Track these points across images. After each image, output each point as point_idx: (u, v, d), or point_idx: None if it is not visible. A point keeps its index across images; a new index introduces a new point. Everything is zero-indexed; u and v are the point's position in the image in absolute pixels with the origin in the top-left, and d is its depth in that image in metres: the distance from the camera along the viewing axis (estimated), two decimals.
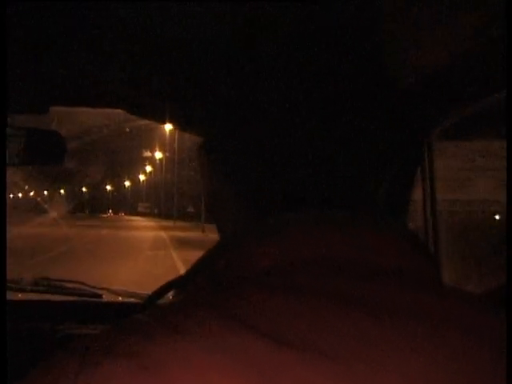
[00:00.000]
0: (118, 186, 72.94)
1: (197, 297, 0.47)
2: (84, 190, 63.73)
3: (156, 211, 56.29)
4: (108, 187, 72.84)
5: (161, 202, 53.59)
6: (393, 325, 0.42)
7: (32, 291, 1.69)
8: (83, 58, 1.00)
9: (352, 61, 0.55)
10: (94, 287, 1.73)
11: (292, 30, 0.59)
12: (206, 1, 0.74)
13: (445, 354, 0.41)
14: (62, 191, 49.14)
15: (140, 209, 61.76)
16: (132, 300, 1.72)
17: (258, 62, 0.57)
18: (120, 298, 1.77)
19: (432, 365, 0.40)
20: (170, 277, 0.60)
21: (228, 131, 0.57)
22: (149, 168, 63.66)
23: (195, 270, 0.52)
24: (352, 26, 0.58)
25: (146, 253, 14.34)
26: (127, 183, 71.68)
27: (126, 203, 70.02)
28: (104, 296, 1.72)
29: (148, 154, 57.99)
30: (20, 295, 1.72)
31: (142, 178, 66.68)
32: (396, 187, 0.57)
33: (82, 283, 1.74)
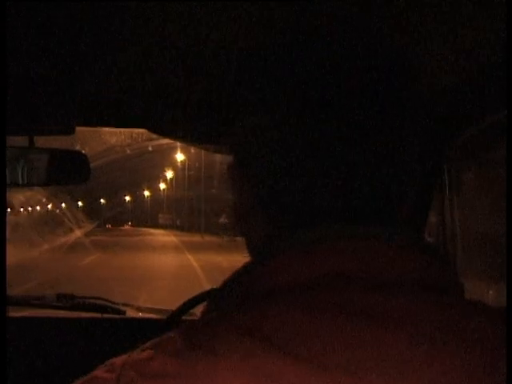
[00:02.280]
0: (137, 196, 73.06)
1: (229, 317, 0.49)
2: (102, 201, 64.08)
3: (178, 222, 55.84)
4: (127, 198, 73.11)
5: (183, 212, 52.53)
6: (407, 340, 0.46)
7: (55, 308, 1.79)
8: (106, 78, 1.08)
9: (380, 73, 0.57)
10: (116, 303, 1.82)
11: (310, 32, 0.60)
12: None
13: (452, 367, 0.45)
14: (79, 203, 49.55)
15: (161, 220, 61.30)
16: (155, 316, 1.81)
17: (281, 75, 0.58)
18: (142, 314, 1.86)
19: (446, 374, 0.44)
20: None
21: (256, 149, 0.58)
22: (162, 185, 63.46)
23: (221, 289, 0.56)
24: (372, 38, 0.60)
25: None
26: (147, 193, 71.53)
27: (146, 214, 69.97)
28: (127, 312, 1.81)
29: (170, 172, 58.85)
30: (42, 312, 1.83)
31: (162, 186, 66.03)
32: (418, 201, 0.57)
33: (105, 299, 1.84)
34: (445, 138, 1.22)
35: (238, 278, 0.55)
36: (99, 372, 0.47)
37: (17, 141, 1.30)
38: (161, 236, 40.07)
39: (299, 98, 0.56)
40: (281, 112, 0.56)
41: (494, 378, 0.46)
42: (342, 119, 0.55)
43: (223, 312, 0.51)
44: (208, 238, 31.48)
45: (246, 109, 0.60)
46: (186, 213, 50.48)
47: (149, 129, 1.28)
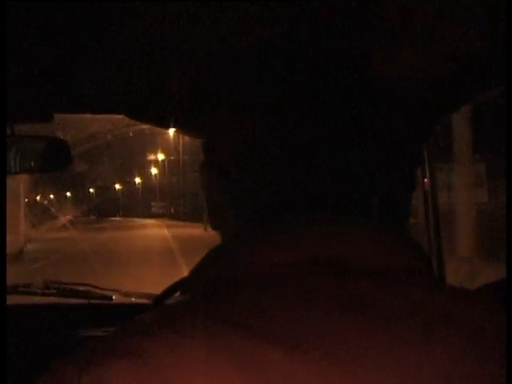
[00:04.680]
0: (128, 184, 72.42)
1: (198, 301, 0.52)
2: (91, 191, 63.73)
3: (173, 211, 54.77)
4: (117, 186, 72.64)
5: (178, 200, 51.25)
6: (396, 326, 0.48)
7: (43, 295, 1.91)
8: (85, 64, 1.09)
9: (369, 72, 0.62)
10: (104, 289, 1.94)
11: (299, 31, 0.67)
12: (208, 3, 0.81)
13: (441, 352, 0.47)
14: (68, 194, 49.39)
15: (154, 209, 60.62)
16: (142, 301, 1.93)
17: (264, 67, 0.62)
18: (130, 299, 1.97)
19: (429, 363, 0.46)
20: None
21: (229, 132, 0.62)
22: (154, 170, 62.83)
23: (198, 273, 0.58)
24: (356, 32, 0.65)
25: None
26: (138, 179, 70.65)
27: (138, 204, 69.42)
28: (114, 298, 1.93)
29: (153, 157, 60.84)
30: (31, 299, 1.94)
31: (154, 171, 64.18)
32: (395, 189, 0.60)
33: (92, 286, 1.95)
34: (426, 126, 1.28)
35: (209, 264, 0.58)
36: (72, 355, 0.49)
37: None
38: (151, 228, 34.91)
39: (277, 97, 0.59)
40: (254, 110, 0.60)
41: (487, 367, 0.48)
42: (338, 124, 0.58)
43: (193, 297, 0.55)
44: (213, 232, 25.76)
45: (221, 104, 0.63)
46: (181, 199, 49.26)
47: (127, 115, 1.37)
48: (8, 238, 0.85)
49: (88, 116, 1.46)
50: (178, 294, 0.73)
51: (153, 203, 63.14)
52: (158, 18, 0.85)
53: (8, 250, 0.85)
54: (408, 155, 0.60)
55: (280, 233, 0.55)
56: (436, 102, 1.16)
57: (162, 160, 59.62)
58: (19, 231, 14.91)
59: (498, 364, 0.48)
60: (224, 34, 0.88)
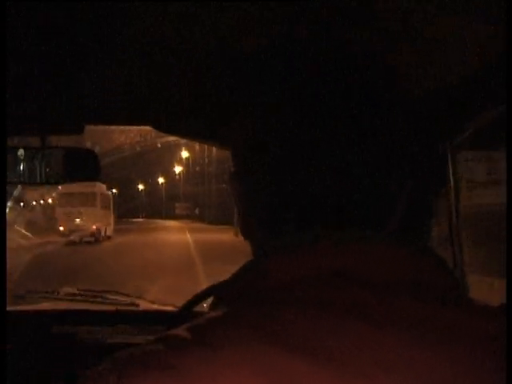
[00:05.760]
0: (152, 184, 72.52)
1: (227, 313, 0.54)
2: (114, 191, 63.98)
3: (197, 212, 54.22)
4: (140, 186, 72.84)
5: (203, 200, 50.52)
6: (407, 337, 0.49)
7: (70, 301, 1.98)
8: (85, 64, 1.12)
9: (369, 73, 0.62)
10: (130, 296, 2.01)
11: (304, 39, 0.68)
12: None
13: (448, 365, 0.48)
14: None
15: (178, 210, 60.50)
16: (167, 308, 1.99)
17: (264, 67, 0.64)
18: (155, 306, 2.04)
19: (435, 374, 0.47)
20: None
21: (253, 160, 0.62)
22: (178, 169, 62.63)
23: (228, 283, 0.60)
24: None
25: None
26: (161, 180, 70.64)
27: (161, 204, 69.50)
28: (140, 305, 2.00)
29: (179, 167, 62.47)
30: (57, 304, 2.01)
31: (177, 170, 63.32)
32: (415, 201, 0.61)
33: (119, 292, 2.02)
34: (443, 137, 1.29)
35: (242, 275, 0.59)
36: (104, 365, 0.50)
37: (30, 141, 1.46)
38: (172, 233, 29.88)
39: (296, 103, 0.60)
40: (254, 109, 0.62)
41: (493, 379, 0.49)
42: (338, 124, 0.58)
43: (229, 309, 0.55)
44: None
45: (244, 112, 0.65)
46: (208, 201, 48.07)
47: (153, 126, 1.42)
48: None
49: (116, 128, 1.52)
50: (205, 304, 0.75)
51: (177, 204, 63.31)
52: (158, 18, 0.87)
53: None
54: (408, 155, 0.61)
55: (301, 247, 0.57)
56: (454, 111, 1.18)
57: (187, 158, 59.01)
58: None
59: (499, 376, 0.49)
60: (224, 34, 0.90)
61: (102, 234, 23.31)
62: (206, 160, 48.06)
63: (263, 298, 0.54)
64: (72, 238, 20.85)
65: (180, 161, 61.79)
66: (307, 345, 0.48)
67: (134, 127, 1.59)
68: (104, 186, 25.69)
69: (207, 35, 0.92)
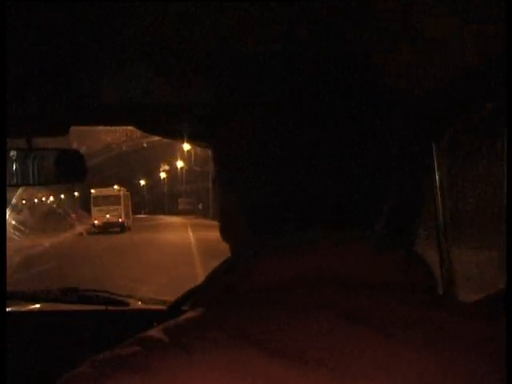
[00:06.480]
0: (153, 179, 72.24)
1: (207, 314, 0.54)
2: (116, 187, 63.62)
3: (201, 207, 53.13)
4: (142, 182, 72.55)
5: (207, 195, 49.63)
6: (392, 337, 0.49)
7: (60, 302, 2.01)
8: (85, 64, 1.14)
9: (369, 73, 0.63)
10: (120, 295, 2.03)
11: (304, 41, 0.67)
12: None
13: (439, 364, 0.48)
14: (76, 193, 49.19)
15: (181, 206, 60.26)
16: (157, 307, 2.01)
17: (264, 67, 0.64)
18: (145, 306, 2.07)
19: (428, 374, 0.48)
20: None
21: (242, 158, 0.62)
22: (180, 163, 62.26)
23: (209, 283, 0.61)
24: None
25: None
26: (163, 174, 70.10)
27: (164, 200, 69.31)
28: (130, 304, 2.03)
29: (166, 167, 64.65)
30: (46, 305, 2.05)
31: (180, 164, 61.78)
32: (402, 201, 0.61)
33: (109, 292, 2.04)
34: (431, 138, 1.31)
35: (221, 276, 0.60)
36: (82, 368, 0.51)
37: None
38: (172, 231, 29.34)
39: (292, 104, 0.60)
40: (254, 109, 0.62)
41: (479, 380, 0.49)
42: (338, 124, 0.59)
43: (208, 310, 0.56)
44: None
45: (234, 112, 0.65)
46: (212, 195, 46.64)
47: (137, 127, 1.44)
48: None
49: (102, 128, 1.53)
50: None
51: (180, 200, 63.18)
52: (158, 18, 0.89)
53: None
54: (408, 155, 0.62)
55: (288, 247, 0.57)
56: (444, 109, 1.19)
57: (188, 150, 57.61)
58: None
59: (494, 378, 0.50)
60: (224, 34, 0.91)
61: (125, 225, 30.85)
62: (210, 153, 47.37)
63: (245, 299, 0.54)
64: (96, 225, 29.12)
65: (182, 155, 61.07)
66: (292, 348, 0.48)
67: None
68: (125, 190, 34.08)
69: (207, 35, 0.93)
